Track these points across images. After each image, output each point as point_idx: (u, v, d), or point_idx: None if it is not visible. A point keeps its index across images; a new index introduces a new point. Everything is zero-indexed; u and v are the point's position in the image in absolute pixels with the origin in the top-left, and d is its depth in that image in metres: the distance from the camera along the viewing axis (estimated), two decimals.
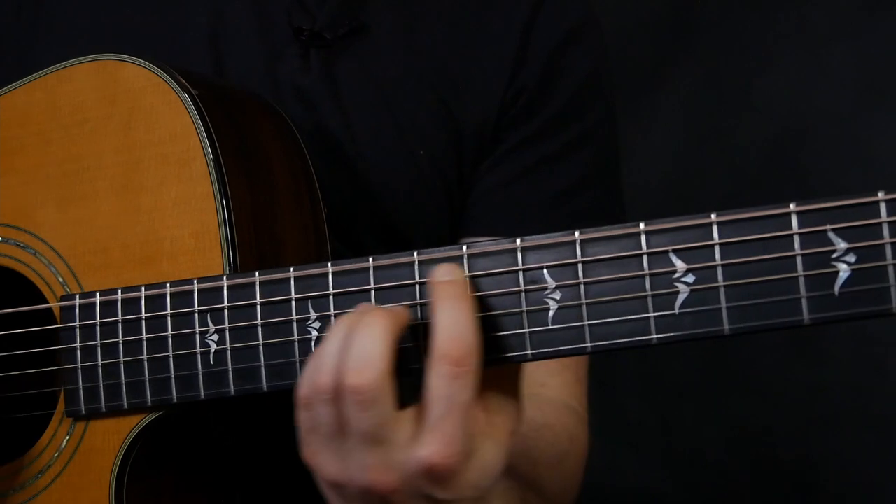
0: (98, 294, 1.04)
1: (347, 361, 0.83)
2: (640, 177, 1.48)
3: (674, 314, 0.82)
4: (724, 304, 0.81)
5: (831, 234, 0.79)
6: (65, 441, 1.06)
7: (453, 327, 0.83)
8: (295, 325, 0.94)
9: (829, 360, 1.77)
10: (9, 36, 1.31)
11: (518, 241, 0.87)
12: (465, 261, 0.89)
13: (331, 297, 0.93)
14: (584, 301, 0.85)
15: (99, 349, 1.04)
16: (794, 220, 0.80)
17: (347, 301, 0.93)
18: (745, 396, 1.84)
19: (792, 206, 0.80)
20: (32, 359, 1.09)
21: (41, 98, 1.12)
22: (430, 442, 0.83)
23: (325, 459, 0.88)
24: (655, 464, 1.81)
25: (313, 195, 1.14)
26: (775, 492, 1.81)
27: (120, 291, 1.03)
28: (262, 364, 0.96)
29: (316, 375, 0.86)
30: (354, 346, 0.84)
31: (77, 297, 1.05)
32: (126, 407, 1.02)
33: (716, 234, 0.82)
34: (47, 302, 1.08)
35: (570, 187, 1.27)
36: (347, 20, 1.24)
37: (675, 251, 0.83)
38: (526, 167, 1.26)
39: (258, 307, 0.96)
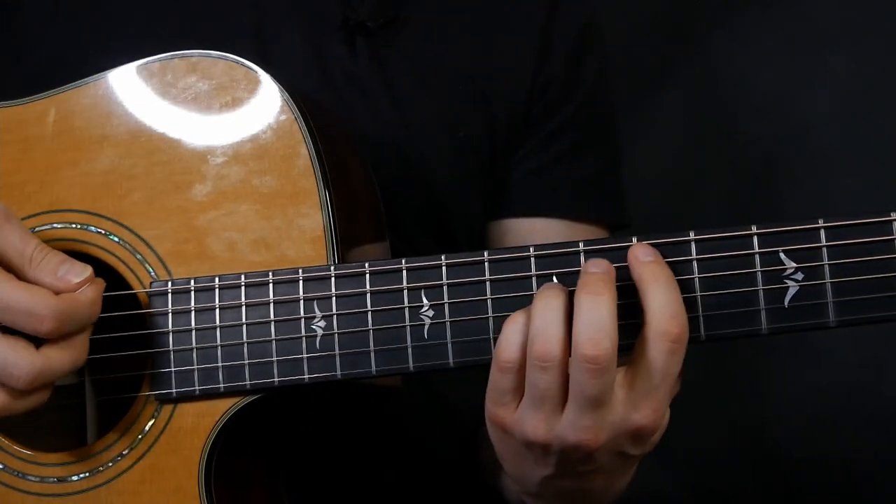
0: (193, 281, 1.07)
1: (581, 333, 0.90)
2: (639, 176, 1.55)
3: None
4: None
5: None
6: (149, 424, 1.09)
7: (671, 306, 0.91)
8: (407, 312, 1.00)
9: (827, 360, 1.85)
10: (53, 30, 1.32)
11: (634, 238, 0.95)
12: (581, 257, 0.96)
13: (444, 288, 0.99)
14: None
15: (194, 334, 1.07)
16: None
17: (462, 291, 0.99)
18: (744, 396, 1.91)
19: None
20: (116, 344, 1.12)
21: (127, 91, 1.13)
22: (645, 407, 0.92)
23: (531, 420, 0.94)
24: (653, 462, 1.87)
25: (381, 208, 1.19)
26: (774, 491, 1.89)
27: (217, 279, 1.07)
28: (372, 349, 1.01)
29: (538, 344, 0.91)
30: (586, 317, 0.90)
31: (169, 283, 1.08)
32: (222, 390, 1.06)
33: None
34: (131, 288, 1.11)
35: (598, 170, 1.40)
36: (388, 10, 1.32)
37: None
38: (561, 152, 1.37)
39: (368, 295, 1.01)
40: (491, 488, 1.26)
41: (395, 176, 1.27)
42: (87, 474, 1.11)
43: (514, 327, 0.94)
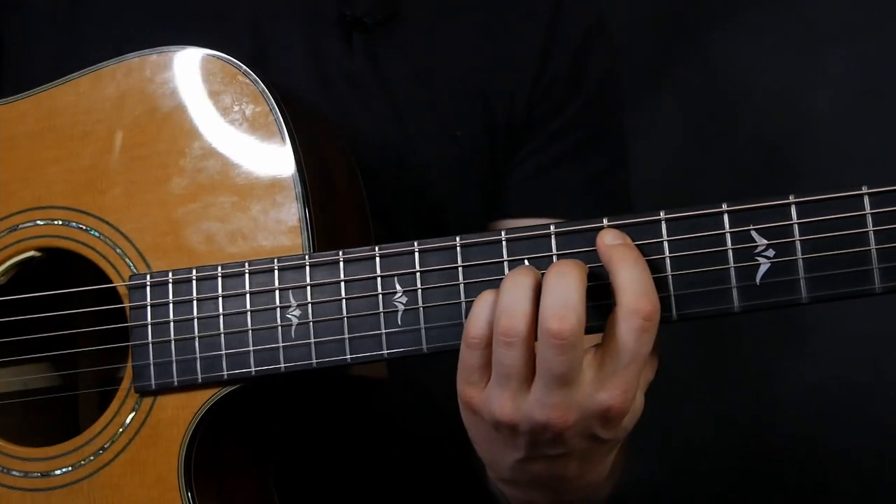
0: (171, 273, 1.08)
1: (548, 308, 0.89)
2: (639, 176, 1.55)
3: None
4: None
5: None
6: (129, 417, 1.09)
7: (641, 284, 0.90)
8: (381, 299, 1.00)
9: (824, 357, 1.85)
10: (53, 28, 1.33)
11: (605, 220, 0.94)
12: (552, 240, 0.95)
13: (417, 274, 0.99)
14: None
15: (172, 326, 1.07)
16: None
17: (435, 277, 0.98)
18: (741, 393, 1.91)
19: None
20: (99, 338, 1.12)
21: (107, 87, 1.15)
22: (613, 386, 0.91)
23: (498, 398, 0.93)
24: (652, 458, 1.87)
25: (365, 205, 1.19)
26: (771, 488, 1.88)
27: (195, 271, 1.07)
28: (347, 337, 1.01)
29: (503, 320, 0.91)
30: (553, 293, 0.89)
31: (147, 276, 1.08)
32: (200, 381, 1.06)
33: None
34: (112, 282, 1.11)
35: (600, 171, 1.37)
36: (386, 7, 1.31)
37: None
38: (563, 153, 1.35)
39: (342, 283, 1.01)
40: (482, 483, 1.26)
41: (391, 174, 1.27)
42: (70, 469, 1.11)
43: (483, 304, 0.93)
